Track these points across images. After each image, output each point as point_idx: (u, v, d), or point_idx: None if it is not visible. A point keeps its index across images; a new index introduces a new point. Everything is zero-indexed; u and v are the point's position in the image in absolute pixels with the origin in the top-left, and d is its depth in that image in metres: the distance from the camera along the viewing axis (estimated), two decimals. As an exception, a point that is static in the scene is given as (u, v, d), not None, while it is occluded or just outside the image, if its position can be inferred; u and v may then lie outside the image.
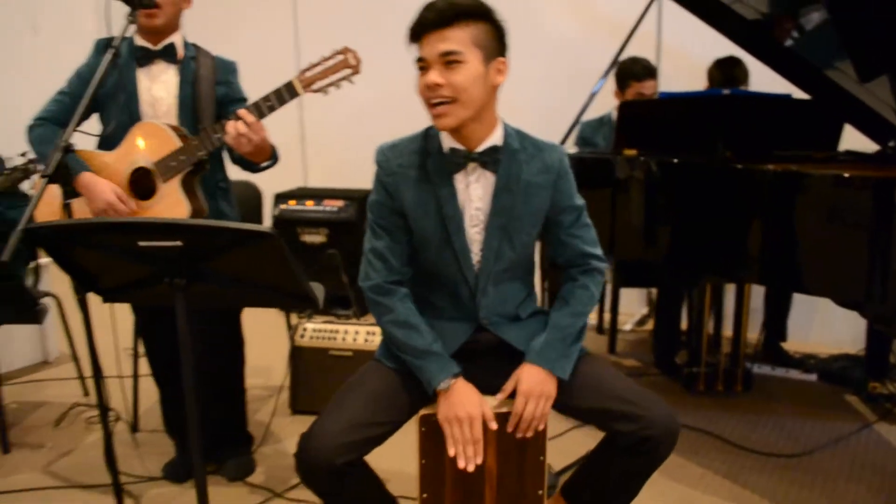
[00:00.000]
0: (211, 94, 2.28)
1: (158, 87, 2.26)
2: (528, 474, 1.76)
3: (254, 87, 2.31)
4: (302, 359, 2.96)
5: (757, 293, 3.40)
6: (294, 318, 3.16)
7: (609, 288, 3.79)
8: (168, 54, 2.25)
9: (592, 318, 4.08)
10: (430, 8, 1.60)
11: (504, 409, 1.70)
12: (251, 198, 3.31)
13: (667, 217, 2.66)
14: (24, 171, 2.55)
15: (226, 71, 2.34)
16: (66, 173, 1.78)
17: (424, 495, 1.75)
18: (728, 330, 3.18)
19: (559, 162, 1.75)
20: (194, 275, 1.52)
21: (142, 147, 2.20)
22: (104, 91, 2.17)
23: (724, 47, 3.09)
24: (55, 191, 1.84)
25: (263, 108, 2.09)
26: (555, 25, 4.01)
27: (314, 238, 4.31)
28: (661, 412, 1.63)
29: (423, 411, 1.72)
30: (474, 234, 1.73)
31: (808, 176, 2.22)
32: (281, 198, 4.43)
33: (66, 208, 1.85)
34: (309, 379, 2.96)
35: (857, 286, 2.08)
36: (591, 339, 3.93)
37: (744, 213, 2.38)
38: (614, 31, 3.05)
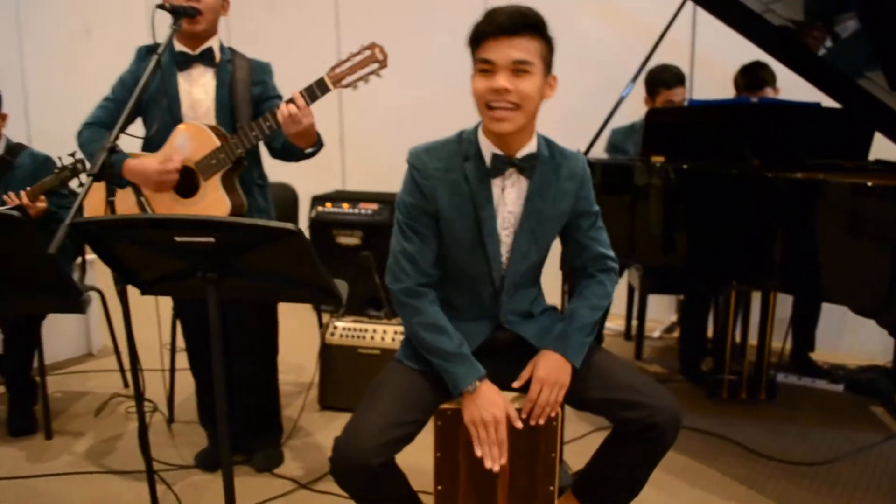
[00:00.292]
0: (247, 94, 2.39)
1: (198, 90, 2.38)
2: (539, 470, 1.81)
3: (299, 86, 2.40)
4: (331, 356, 3.05)
5: (784, 302, 3.39)
6: (325, 317, 3.25)
7: (637, 294, 3.81)
8: (206, 58, 2.37)
9: (620, 325, 4.10)
10: (500, 13, 1.64)
11: (517, 406, 1.76)
12: (287, 199, 3.42)
13: (691, 222, 2.68)
14: (72, 171, 2.68)
15: (261, 72, 2.45)
16: (110, 171, 1.89)
17: (439, 487, 1.81)
18: (754, 338, 3.18)
19: (583, 169, 1.85)
20: (225, 269, 1.61)
21: (183, 147, 2.32)
22: (147, 96, 2.31)
23: (757, 56, 3.09)
24: (100, 189, 1.96)
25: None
26: (586, 30, 4.04)
27: (349, 240, 4.41)
28: (665, 400, 1.69)
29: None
30: (504, 236, 1.80)
31: (828, 184, 2.23)
32: (318, 200, 4.54)
33: (110, 205, 1.95)
34: (337, 376, 3.05)
35: (873, 294, 2.08)
36: (617, 345, 3.95)
37: (766, 219, 2.39)
38: (647, 37, 3.07)
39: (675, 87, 3.43)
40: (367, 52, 2.17)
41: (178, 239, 1.54)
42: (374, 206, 4.41)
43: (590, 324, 1.81)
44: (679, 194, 2.69)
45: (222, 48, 2.41)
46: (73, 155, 2.65)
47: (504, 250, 1.81)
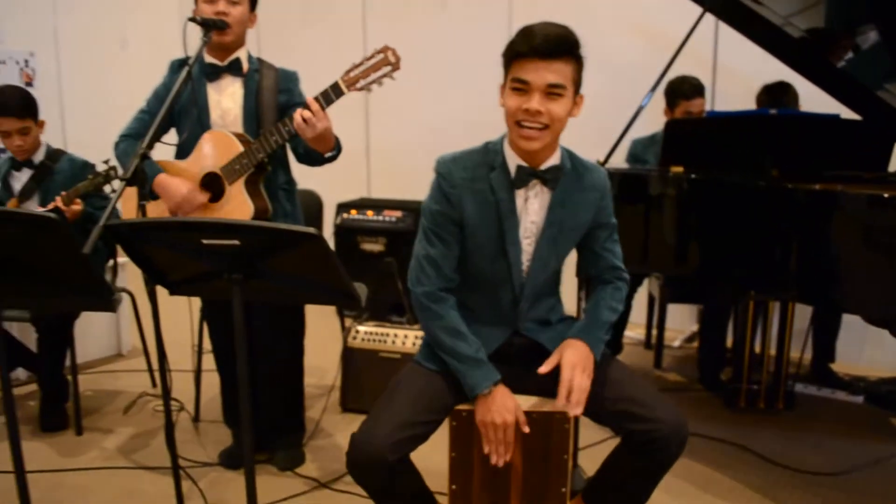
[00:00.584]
0: (273, 102, 2.47)
1: (226, 99, 2.46)
2: (552, 471, 1.85)
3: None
4: (353, 359, 3.11)
5: (803, 313, 3.38)
6: (347, 321, 3.32)
7: (657, 303, 3.83)
8: (234, 69, 2.45)
9: (640, 333, 4.12)
10: (538, 35, 1.66)
11: (528, 409, 1.81)
12: (312, 205, 3.50)
13: (709, 233, 2.70)
14: (106, 176, 2.78)
15: (287, 80, 2.53)
16: (142, 177, 1.98)
17: (453, 486, 1.86)
18: (773, 348, 3.19)
19: (603, 182, 1.90)
20: (250, 271, 1.66)
21: (209, 154, 2.41)
22: (179, 106, 2.41)
23: (779, 67, 3.11)
24: (133, 193, 2.04)
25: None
26: (609, 41, 4.07)
27: (373, 246, 4.48)
28: (671, 414, 1.72)
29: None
30: (525, 245, 1.85)
31: (845, 195, 2.25)
32: (343, 207, 4.62)
33: (141, 209, 2.04)
34: (359, 379, 3.12)
35: (888, 305, 2.10)
36: (637, 354, 3.97)
37: (783, 230, 2.41)
38: (670, 48, 3.10)
39: (693, 97, 3.46)
40: (380, 56, 2.22)
41: (204, 241, 1.60)
42: (398, 214, 4.48)
43: (608, 322, 1.87)
44: (697, 205, 2.71)
45: (250, 58, 2.50)
46: (106, 162, 2.75)
47: (525, 259, 1.86)
